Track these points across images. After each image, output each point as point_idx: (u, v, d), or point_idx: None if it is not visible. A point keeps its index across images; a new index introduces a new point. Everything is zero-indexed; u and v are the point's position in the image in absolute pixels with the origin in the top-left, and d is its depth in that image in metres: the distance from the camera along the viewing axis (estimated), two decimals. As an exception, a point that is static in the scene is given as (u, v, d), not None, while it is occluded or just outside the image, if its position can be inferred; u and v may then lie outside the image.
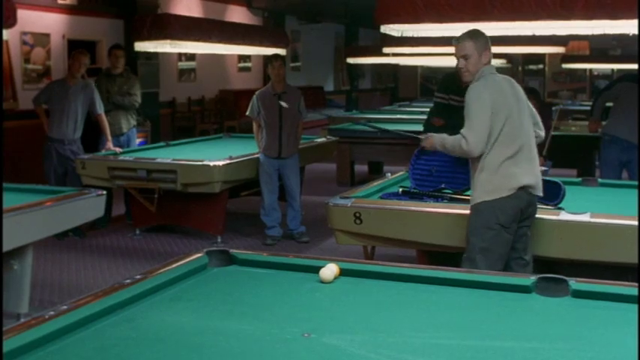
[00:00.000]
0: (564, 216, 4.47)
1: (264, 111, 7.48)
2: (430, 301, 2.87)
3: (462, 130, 4.36)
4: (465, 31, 4.55)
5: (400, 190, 5.16)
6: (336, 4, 16.84)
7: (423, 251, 5.00)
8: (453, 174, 5.09)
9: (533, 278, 2.95)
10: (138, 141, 9.26)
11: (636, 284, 2.88)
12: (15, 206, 4.77)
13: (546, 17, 5.72)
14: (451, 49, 4.78)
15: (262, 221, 7.69)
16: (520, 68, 22.37)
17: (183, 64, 13.55)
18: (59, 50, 10.10)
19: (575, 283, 2.89)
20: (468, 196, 4.93)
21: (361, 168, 11.82)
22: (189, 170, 7.08)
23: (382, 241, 5.03)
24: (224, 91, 14.71)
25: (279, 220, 7.74)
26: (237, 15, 14.65)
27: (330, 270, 3.06)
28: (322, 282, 3.04)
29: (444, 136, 4.57)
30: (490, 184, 4.23)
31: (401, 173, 5.98)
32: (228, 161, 7.14)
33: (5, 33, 6.98)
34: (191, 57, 13.60)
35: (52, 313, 2.51)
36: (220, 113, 14.36)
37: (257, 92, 7.71)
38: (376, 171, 11.65)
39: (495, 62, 18.25)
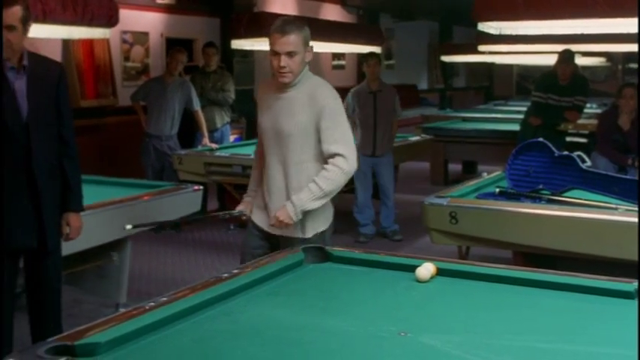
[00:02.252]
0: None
1: (358, 109, 7.48)
2: (527, 304, 2.80)
3: (334, 149, 3.59)
4: (284, 19, 3.67)
5: (497, 190, 5.08)
6: (431, 2, 16.70)
7: (519, 253, 4.91)
8: (551, 175, 4.98)
9: (635, 284, 2.85)
10: (233, 137, 9.39)
11: None
12: (114, 199, 4.90)
13: (650, 13, 5.55)
14: (550, 47, 4.61)
15: (355, 219, 7.70)
16: (620, 67, 21.76)
17: (278, 62, 13.65)
18: (157, 48, 10.32)
19: (681, 289, 2.78)
20: (568, 197, 4.84)
21: (455, 167, 11.70)
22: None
23: (478, 242, 4.96)
24: (317, 88, 14.75)
25: (373, 218, 7.72)
26: (332, 13, 14.69)
27: (427, 269, 3.03)
28: (418, 281, 3.01)
29: (300, 197, 3.62)
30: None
31: (497, 173, 5.89)
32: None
33: (107, 32, 7.16)
34: (286, 55, 13.70)
35: (152, 304, 2.56)
36: (314, 111, 14.42)
37: (352, 90, 7.72)
38: (470, 170, 11.52)
39: (594, 61, 17.89)
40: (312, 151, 3.66)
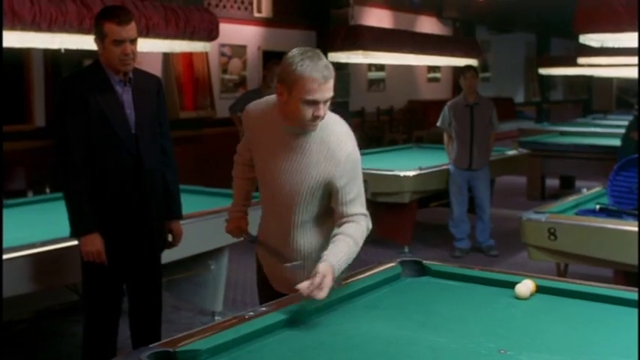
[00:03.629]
0: None
1: (455, 122, 7.43)
2: (628, 325, 2.72)
3: (355, 210, 3.00)
4: (313, 53, 2.90)
5: (597, 206, 4.97)
6: (529, 14, 16.48)
7: (620, 271, 4.79)
8: (654, 192, 4.85)
9: None
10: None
11: None
12: (211, 210, 4.98)
13: None
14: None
15: (451, 233, 7.64)
16: None
17: (373, 74, 13.69)
18: (254, 61, 10.49)
19: None
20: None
21: (552, 182, 11.48)
22: (379, 180, 7.12)
23: (577, 259, 4.86)
24: (413, 101, 14.73)
25: (468, 233, 7.65)
26: (428, 25, 14.65)
27: (526, 286, 2.98)
28: (518, 298, 2.97)
29: (339, 260, 2.83)
30: None
31: (598, 189, 5.76)
32: (418, 172, 7.13)
33: (207, 45, 7.32)
34: (380, 67, 13.72)
35: (251, 313, 2.60)
36: (409, 123, 14.39)
37: (448, 103, 7.67)
38: (568, 185, 11.29)
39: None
40: (317, 211, 3.06)
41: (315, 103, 2.82)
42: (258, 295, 3.42)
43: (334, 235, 2.94)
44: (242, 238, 3.37)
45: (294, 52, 2.89)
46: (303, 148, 2.96)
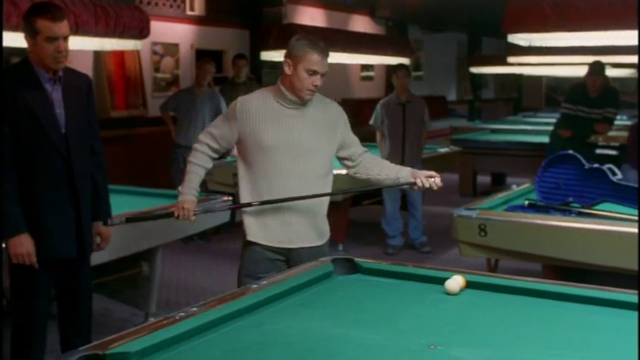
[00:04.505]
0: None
1: (387, 120, 7.48)
2: (558, 318, 2.78)
3: (362, 149, 3.91)
4: (316, 39, 3.68)
5: (526, 202, 5.06)
6: (460, 13, 16.68)
7: (549, 266, 4.88)
8: (581, 187, 4.95)
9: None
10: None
11: None
12: (145, 210, 4.93)
13: (683, 25, 5.50)
14: (580, 59, 4.59)
15: (384, 230, 7.69)
16: (651, 78, 21.56)
17: (307, 73, 13.69)
18: (187, 59, 10.39)
19: None
20: (598, 210, 4.81)
21: (483, 179, 11.65)
22: (311, 178, 7.12)
23: (507, 254, 4.94)
24: (346, 100, 14.76)
25: (401, 230, 7.71)
26: (361, 24, 14.71)
27: (456, 282, 3.02)
28: (448, 293, 3.01)
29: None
30: None
31: (527, 185, 5.86)
32: (350, 170, 7.14)
33: (138, 43, 7.24)
34: (314, 66, 13.72)
35: (182, 314, 2.57)
36: (342, 122, 14.42)
37: (381, 101, 7.73)
38: (499, 182, 11.46)
39: (625, 72, 17.76)
40: (329, 165, 3.77)
41: (315, 73, 3.55)
42: (251, 269, 3.80)
43: (372, 161, 3.90)
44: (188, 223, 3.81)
45: (298, 37, 3.68)
46: (309, 114, 3.67)
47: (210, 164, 3.81)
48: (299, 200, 3.64)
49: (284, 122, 3.63)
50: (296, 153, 3.63)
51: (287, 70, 3.60)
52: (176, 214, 3.69)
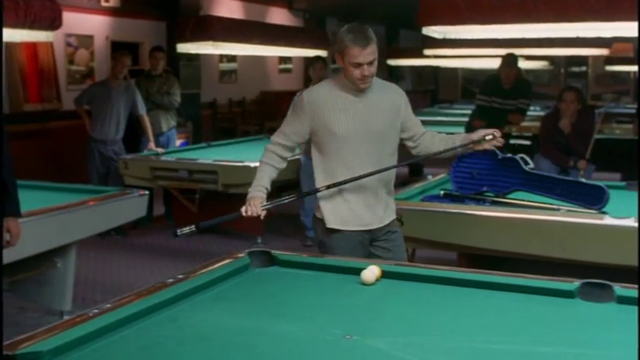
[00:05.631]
0: (608, 220, 4.41)
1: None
2: (472, 305, 2.84)
3: (423, 128, 4.12)
4: (354, 29, 3.73)
5: (442, 192, 5.13)
6: (377, 6, 16.81)
7: (464, 254, 4.97)
8: (495, 177, 5.04)
9: (577, 283, 2.91)
10: (179, 142, 9.34)
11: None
12: (59, 205, 4.84)
13: (591, 19, 5.67)
14: (494, 51, 4.70)
15: (302, 222, 7.70)
16: (563, 70, 22.13)
17: (225, 66, 13.61)
18: (102, 52, 10.21)
19: (620, 289, 2.84)
20: (511, 199, 4.91)
21: (401, 170, 11.77)
22: (230, 171, 7.11)
23: (423, 244, 5.01)
24: (265, 92, 14.75)
25: (320, 222, 7.73)
26: (278, 16, 14.69)
27: (371, 272, 3.05)
28: (364, 284, 3.03)
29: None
30: None
31: (442, 176, 5.95)
32: (269, 162, 7.12)
33: (50, 35, 7.06)
34: (232, 58, 13.66)
35: (95, 311, 2.54)
36: (261, 114, 14.40)
37: (298, 93, 7.71)
38: (416, 173, 11.60)
39: (537, 64, 18.18)
40: (395, 147, 3.93)
41: (359, 65, 3.64)
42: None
43: (431, 139, 4.05)
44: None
45: (344, 27, 3.73)
46: (373, 99, 3.79)
47: (281, 164, 3.95)
48: (373, 180, 3.80)
49: (351, 109, 3.75)
50: (366, 138, 3.76)
51: (338, 63, 3.75)
52: (244, 210, 3.81)
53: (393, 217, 4.01)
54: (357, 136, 3.76)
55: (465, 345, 2.39)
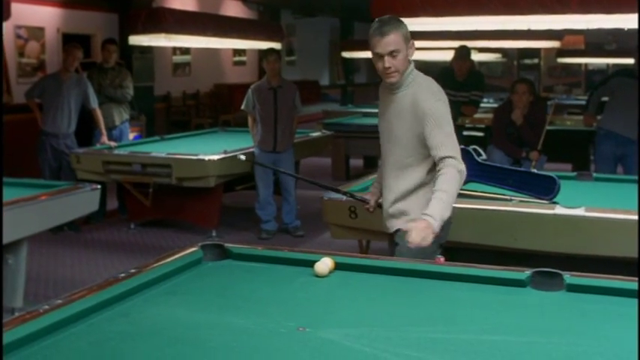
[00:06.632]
0: (559, 210, 4.47)
1: (259, 105, 7.47)
2: (425, 296, 2.87)
3: (443, 153, 3.46)
4: (380, 20, 3.59)
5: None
6: (331, -2, 16.85)
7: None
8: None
9: (527, 272, 2.95)
10: (133, 135, 9.25)
11: (632, 278, 2.88)
12: (10, 200, 4.76)
13: (542, 11, 5.73)
14: (447, 44, 4.72)
15: (257, 215, 7.69)
16: (515, 62, 22.40)
17: (178, 58, 13.53)
18: (54, 44, 10.09)
19: (569, 277, 2.89)
20: (465, 190, 4.94)
21: (356, 162, 11.82)
22: (183, 164, 7.08)
23: (377, 236, 5.02)
24: (219, 85, 14.70)
25: (275, 214, 7.74)
26: (232, 9, 14.63)
27: (325, 264, 3.06)
28: (317, 276, 3.04)
29: (434, 210, 3.33)
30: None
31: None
32: (223, 155, 7.12)
33: (-1, 26, 6.95)
34: (186, 51, 13.59)
35: (46, 307, 2.50)
36: (215, 107, 14.35)
37: (252, 86, 7.70)
38: (371, 165, 11.65)
39: (490, 56, 18.34)
40: (418, 156, 3.62)
41: (379, 55, 3.53)
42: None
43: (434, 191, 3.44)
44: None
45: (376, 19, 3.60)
46: (399, 100, 3.63)
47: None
48: (387, 189, 3.76)
49: (384, 107, 3.75)
50: (387, 139, 3.74)
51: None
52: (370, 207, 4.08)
53: (395, 227, 3.73)
54: (382, 135, 3.77)
55: (417, 335, 2.41)
